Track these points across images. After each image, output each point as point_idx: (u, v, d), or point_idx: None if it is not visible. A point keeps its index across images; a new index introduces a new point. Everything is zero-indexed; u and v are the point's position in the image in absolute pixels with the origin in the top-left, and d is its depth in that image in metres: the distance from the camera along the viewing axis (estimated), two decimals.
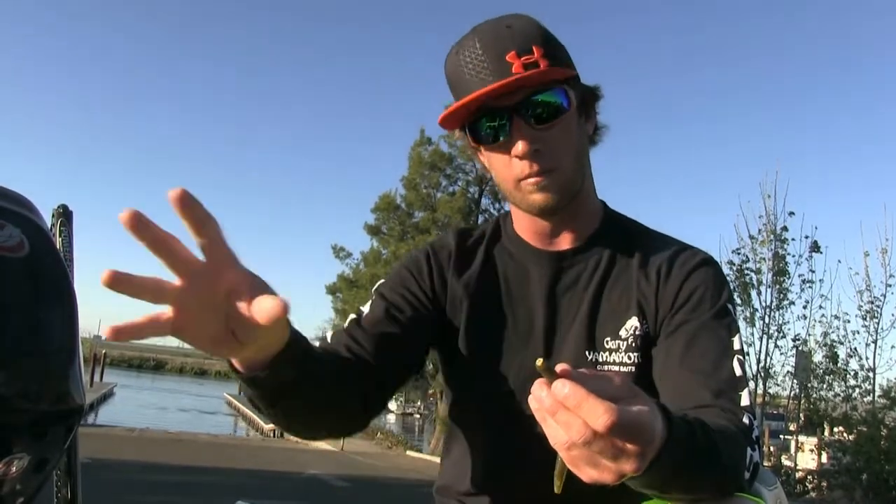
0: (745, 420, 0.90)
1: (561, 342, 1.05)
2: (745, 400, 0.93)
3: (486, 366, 1.07)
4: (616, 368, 1.01)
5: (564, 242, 1.09)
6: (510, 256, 1.12)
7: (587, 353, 1.03)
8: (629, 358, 1.02)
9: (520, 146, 0.97)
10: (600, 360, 1.02)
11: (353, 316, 1.08)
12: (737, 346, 0.98)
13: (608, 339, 1.03)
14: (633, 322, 1.03)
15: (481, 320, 1.08)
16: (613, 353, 1.02)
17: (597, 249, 1.08)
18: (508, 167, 1.00)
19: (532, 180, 0.99)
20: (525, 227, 1.10)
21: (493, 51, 0.96)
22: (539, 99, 0.98)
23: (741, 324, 10.38)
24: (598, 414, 0.57)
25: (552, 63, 0.98)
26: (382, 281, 1.14)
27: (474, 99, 0.95)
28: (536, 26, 1.01)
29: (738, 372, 0.95)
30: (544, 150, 0.98)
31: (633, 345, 1.02)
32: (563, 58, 1.02)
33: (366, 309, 1.09)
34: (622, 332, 1.03)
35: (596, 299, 1.05)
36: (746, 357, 0.99)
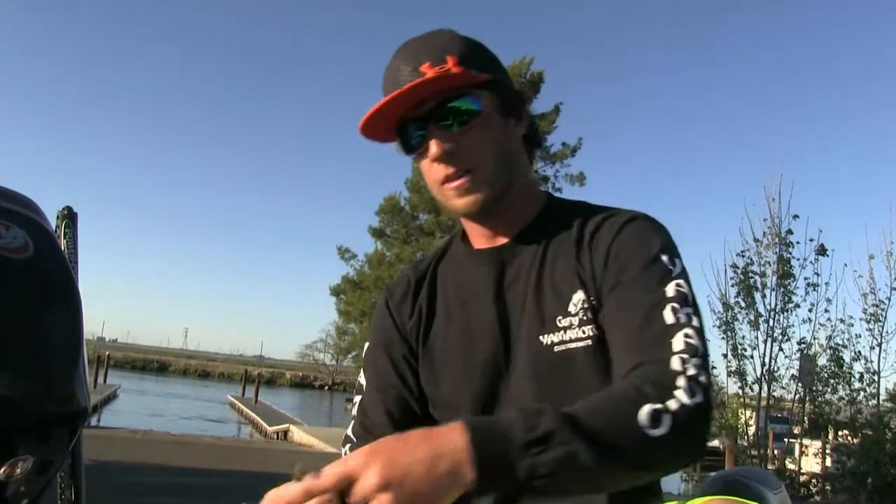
0: (674, 365, 0.86)
1: (517, 332, 1.04)
2: (677, 345, 0.88)
3: (448, 374, 1.09)
4: (574, 346, 0.99)
5: (504, 236, 1.10)
6: (457, 265, 1.15)
7: (541, 337, 1.01)
8: (583, 332, 0.99)
9: (433, 148, 1.02)
10: (556, 340, 1.00)
11: (354, 412, 1.15)
12: (670, 294, 0.93)
13: (559, 317, 1.01)
14: (580, 295, 1.01)
15: (437, 335, 1.12)
16: (568, 331, 1.00)
17: (537, 235, 1.08)
18: (430, 172, 1.05)
19: (452, 184, 1.03)
20: (469, 230, 1.14)
21: (409, 64, 1.02)
22: (451, 106, 1.02)
23: (744, 326, 10.34)
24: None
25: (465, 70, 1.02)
26: (363, 361, 1.19)
27: (384, 106, 0.99)
28: (455, 38, 1.06)
29: (669, 320, 0.91)
30: (459, 153, 1.02)
31: (585, 318, 1.00)
32: (483, 65, 1.05)
33: (360, 389, 1.16)
34: (571, 308, 1.01)
35: (539, 282, 1.05)
36: (697, 307, 0.91)
